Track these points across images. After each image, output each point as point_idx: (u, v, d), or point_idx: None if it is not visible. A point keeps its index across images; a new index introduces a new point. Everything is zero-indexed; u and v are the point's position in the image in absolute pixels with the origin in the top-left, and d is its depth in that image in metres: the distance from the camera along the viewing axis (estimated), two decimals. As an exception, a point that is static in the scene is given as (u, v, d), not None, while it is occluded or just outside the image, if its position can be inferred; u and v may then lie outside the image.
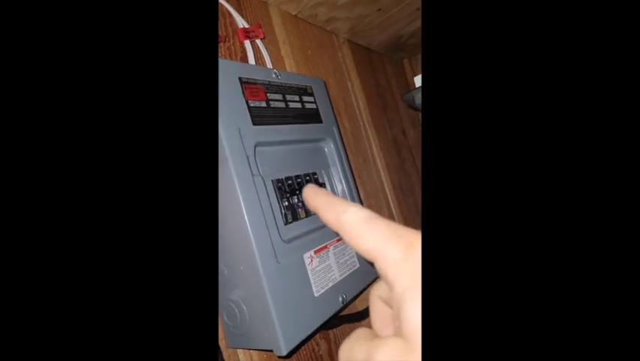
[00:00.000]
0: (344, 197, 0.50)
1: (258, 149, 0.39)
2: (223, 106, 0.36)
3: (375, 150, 0.84)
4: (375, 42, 0.95)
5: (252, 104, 0.39)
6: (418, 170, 1.05)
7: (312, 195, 0.19)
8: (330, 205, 0.17)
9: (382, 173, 0.85)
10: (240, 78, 0.39)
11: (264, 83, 0.42)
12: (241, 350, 0.42)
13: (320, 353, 0.53)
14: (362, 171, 0.77)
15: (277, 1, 0.63)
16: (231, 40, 0.52)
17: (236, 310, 0.37)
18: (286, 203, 0.42)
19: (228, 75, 0.38)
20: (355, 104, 0.82)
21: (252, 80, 0.40)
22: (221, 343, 0.40)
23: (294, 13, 0.68)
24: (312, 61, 0.70)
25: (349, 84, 0.82)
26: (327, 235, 0.44)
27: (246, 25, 0.52)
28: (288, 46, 0.65)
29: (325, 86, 0.54)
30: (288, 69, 0.63)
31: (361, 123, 0.82)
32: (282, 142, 0.43)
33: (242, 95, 0.38)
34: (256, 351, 0.43)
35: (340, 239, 0.46)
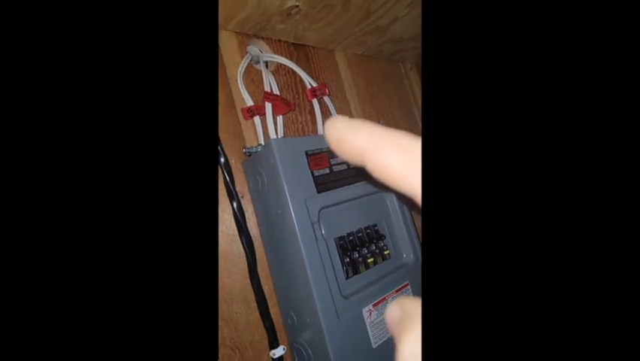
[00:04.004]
0: (404, 244, 0.53)
1: (322, 211, 0.44)
2: (292, 179, 0.41)
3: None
4: (445, 61, 0.93)
5: (316, 174, 0.44)
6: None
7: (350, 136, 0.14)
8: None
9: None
10: (306, 152, 0.44)
11: (327, 151, 0.46)
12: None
13: (381, 385, 0.57)
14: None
15: (342, 46, 0.66)
16: (301, 98, 0.58)
17: (304, 353, 0.43)
18: (347, 259, 0.46)
19: (297, 150, 0.43)
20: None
21: (317, 150, 0.45)
22: (292, 376, 0.47)
23: (359, 53, 0.71)
24: (377, 97, 0.73)
25: (416, 112, 0.82)
26: (385, 287, 0.47)
27: (313, 84, 0.56)
28: (354, 88, 0.68)
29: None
30: (353, 111, 0.66)
31: (428, 151, 0.81)
32: (344, 201, 0.47)
33: (307, 166, 0.43)
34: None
35: (399, 290, 0.49)
